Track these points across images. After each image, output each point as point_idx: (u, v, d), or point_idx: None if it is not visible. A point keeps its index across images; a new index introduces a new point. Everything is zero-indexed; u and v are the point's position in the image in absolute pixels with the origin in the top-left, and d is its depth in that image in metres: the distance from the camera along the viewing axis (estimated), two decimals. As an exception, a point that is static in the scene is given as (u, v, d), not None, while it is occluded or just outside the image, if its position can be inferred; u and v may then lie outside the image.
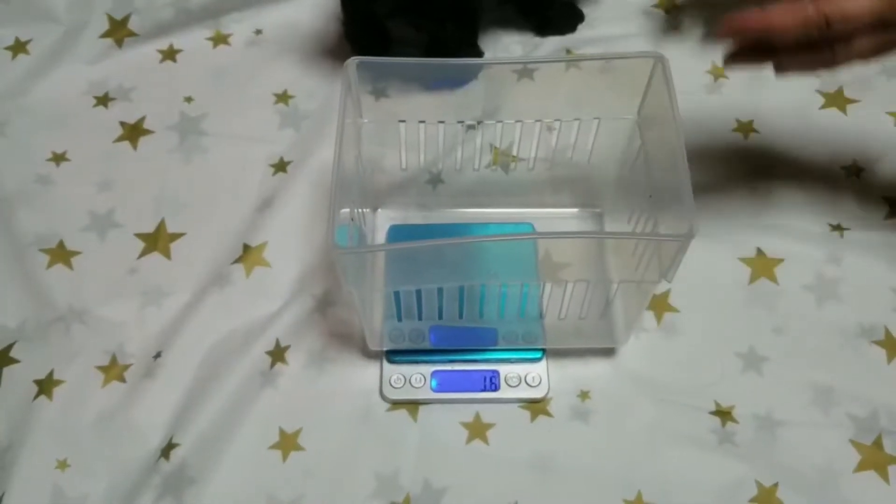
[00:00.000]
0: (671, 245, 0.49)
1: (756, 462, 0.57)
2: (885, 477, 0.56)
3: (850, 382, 0.59)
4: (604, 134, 0.60)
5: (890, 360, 0.60)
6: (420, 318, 0.57)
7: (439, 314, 0.57)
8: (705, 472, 0.56)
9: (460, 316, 0.57)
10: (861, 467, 0.56)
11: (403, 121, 0.59)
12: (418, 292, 0.55)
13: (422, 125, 0.59)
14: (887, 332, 0.61)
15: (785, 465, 0.57)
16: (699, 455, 0.57)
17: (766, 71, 0.58)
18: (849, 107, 0.72)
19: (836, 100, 0.72)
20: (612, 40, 0.76)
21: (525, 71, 0.61)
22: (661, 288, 0.61)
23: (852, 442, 0.57)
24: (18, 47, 0.76)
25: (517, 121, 0.60)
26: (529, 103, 0.60)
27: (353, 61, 0.54)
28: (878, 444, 0.57)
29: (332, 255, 0.48)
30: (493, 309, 0.58)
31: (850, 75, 0.73)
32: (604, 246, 0.63)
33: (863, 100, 0.72)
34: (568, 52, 0.75)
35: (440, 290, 0.55)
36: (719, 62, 0.73)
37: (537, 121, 0.59)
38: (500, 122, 0.60)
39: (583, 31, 0.77)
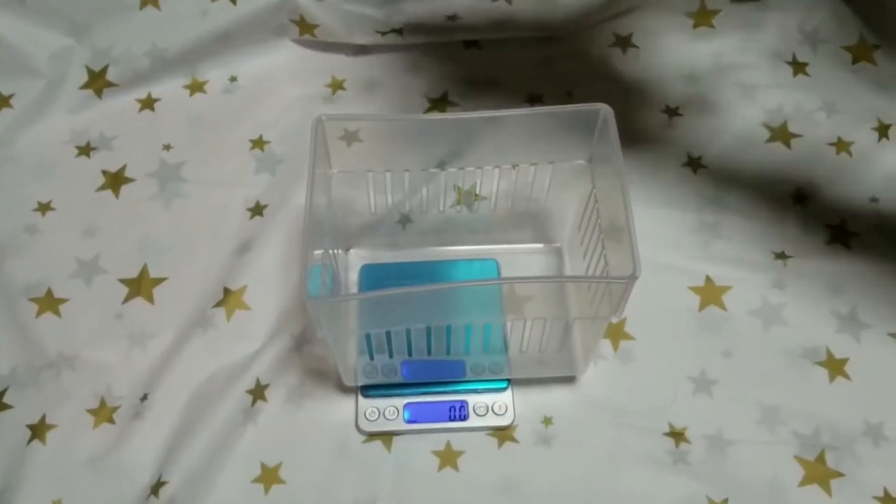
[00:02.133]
0: (618, 285, 0.53)
1: (708, 479, 0.60)
2: (828, 490, 0.60)
3: (794, 401, 0.63)
4: (560, 176, 0.64)
5: (832, 379, 0.64)
6: (391, 356, 0.61)
7: (409, 351, 0.60)
8: (661, 491, 0.60)
9: (429, 352, 0.61)
10: (805, 482, 0.60)
11: (371, 171, 0.63)
12: (388, 332, 0.58)
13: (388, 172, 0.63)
14: (829, 353, 0.65)
15: (734, 481, 0.60)
16: (655, 474, 0.61)
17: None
18: (792, 141, 0.75)
19: (781, 134, 0.76)
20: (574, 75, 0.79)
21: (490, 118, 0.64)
22: (617, 317, 0.65)
23: (797, 458, 0.61)
24: (2, 102, 0.77)
25: (477, 168, 0.63)
26: (491, 149, 0.62)
27: (321, 118, 0.58)
28: (820, 459, 0.61)
29: (306, 304, 0.51)
30: (459, 343, 0.61)
31: (794, 110, 0.77)
32: (562, 282, 0.67)
33: (805, 134, 0.75)
34: (531, 100, 0.78)
35: (409, 330, 0.58)
36: (672, 103, 0.78)
37: (496, 167, 0.63)
38: (462, 168, 0.63)
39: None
